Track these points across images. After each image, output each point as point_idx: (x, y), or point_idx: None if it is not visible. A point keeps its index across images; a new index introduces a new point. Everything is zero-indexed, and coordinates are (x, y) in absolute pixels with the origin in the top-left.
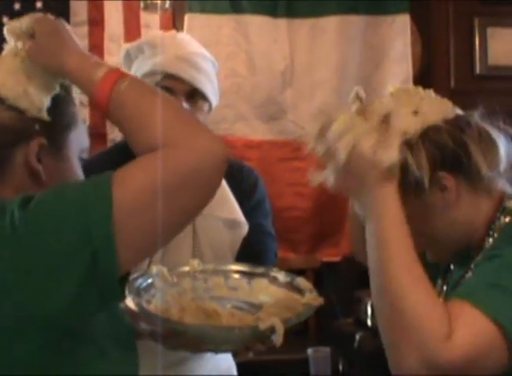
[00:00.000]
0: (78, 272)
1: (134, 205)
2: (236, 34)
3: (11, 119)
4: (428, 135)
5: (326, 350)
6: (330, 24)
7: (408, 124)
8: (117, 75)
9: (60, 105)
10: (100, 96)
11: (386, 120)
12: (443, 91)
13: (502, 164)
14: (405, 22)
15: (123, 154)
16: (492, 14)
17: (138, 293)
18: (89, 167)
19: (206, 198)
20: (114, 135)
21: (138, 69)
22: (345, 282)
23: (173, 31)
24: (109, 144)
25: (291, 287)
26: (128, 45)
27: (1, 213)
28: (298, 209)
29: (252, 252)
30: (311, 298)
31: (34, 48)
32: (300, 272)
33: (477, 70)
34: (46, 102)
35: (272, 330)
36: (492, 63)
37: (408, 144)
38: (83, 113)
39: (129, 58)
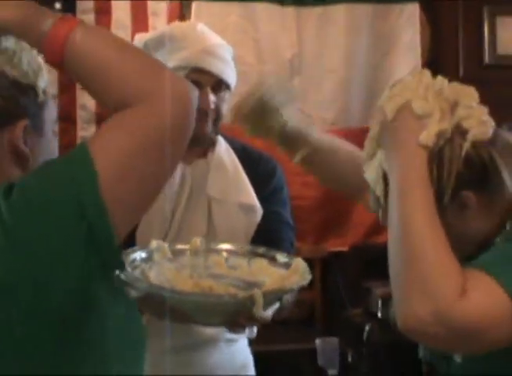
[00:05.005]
0: (79, 249)
1: (120, 169)
2: (243, 22)
3: None
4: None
5: (333, 341)
6: (339, 13)
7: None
8: (71, 23)
9: (39, 79)
10: (52, 49)
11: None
12: (451, 80)
13: None
14: (414, 11)
15: None
16: (501, 3)
17: (131, 263)
18: None
19: (186, 141)
20: None
21: None
22: (353, 272)
23: (191, 22)
24: None
25: (289, 268)
26: (144, 37)
27: None
28: (306, 198)
29: (267, 240)
30: (302, 277)
31: None
32: (307, 261)
33: (486, 59)
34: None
35: (253, 301)
36: (500, 52)
37: (438, 155)
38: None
39: (147, 50)
